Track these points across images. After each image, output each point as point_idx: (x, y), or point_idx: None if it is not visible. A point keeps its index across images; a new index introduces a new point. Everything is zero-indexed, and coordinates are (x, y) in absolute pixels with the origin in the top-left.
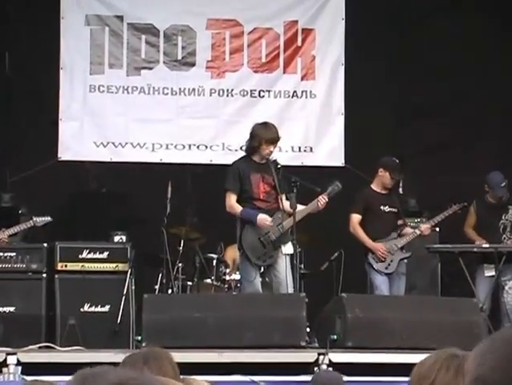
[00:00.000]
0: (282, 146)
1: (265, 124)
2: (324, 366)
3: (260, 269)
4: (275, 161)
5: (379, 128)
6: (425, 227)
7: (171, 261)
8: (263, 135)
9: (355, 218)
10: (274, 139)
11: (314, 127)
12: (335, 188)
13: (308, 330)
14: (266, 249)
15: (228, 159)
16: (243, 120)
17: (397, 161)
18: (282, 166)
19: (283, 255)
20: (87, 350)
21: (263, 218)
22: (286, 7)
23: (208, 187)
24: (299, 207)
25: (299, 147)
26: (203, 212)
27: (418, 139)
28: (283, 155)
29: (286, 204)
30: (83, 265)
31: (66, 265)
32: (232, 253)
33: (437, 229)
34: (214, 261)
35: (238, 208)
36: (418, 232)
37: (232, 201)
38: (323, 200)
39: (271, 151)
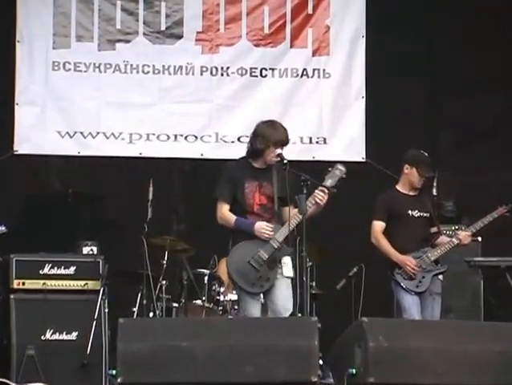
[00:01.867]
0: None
1: (272, 124)
2: None
3: (259, 296)
4: (280, 155)
5: (408, 115)
6: (464, 235)
7: (153, 277)
8: (270, 137)
9: (378, 226)
10: (283, 142)
11: (328, 114)
12: (335, 174)
13: (321, 362)
14: (260, 273)
15: (222, 152)
16: (241, 105)
17: (426, 155)
18: (289, 162)
19: (283, 277)
20: None
21: (262, 226)
22: None
23: (198, 187)
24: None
25: (310, 139)
26: (192, 218)
27: (455, 127)
28: (291, 147)
29: (294, 213)
30: (44, 283)
31: (23, 283)
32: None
33: (479, 239)
34: (206, 278)
35: (232, 218)
36: (456, 241)
37: (223, 210)
38: (320, 194)
39: (277, 156)
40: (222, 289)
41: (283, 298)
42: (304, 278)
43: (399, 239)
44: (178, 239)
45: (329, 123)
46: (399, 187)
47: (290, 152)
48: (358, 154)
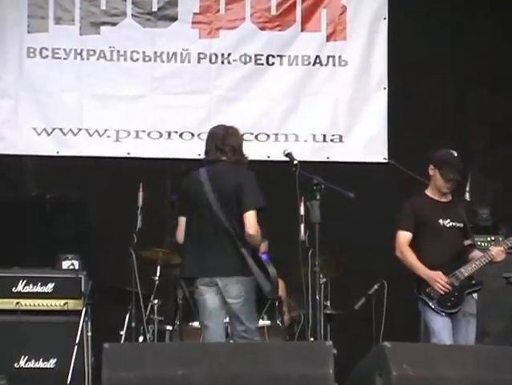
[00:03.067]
0: (299, 134)
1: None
2: None
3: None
4: (289, 155)
5: (437, 109)
6: (497, 251)
7: (143, 296)
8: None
9: (404, 237)
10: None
11: (344, 108)
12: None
13: None
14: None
15: None
16: (244, 98)
17: (456, 155)
18: (300, 162)
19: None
20: None
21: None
22: None
23: None
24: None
25: (324, 136)
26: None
27: (491, 123)
28: (302, 146)
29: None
30: (18, 302)
31: None
32: None
33: None
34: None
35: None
36: (488, 258)
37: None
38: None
39: (286, 156)
40: None
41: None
42: (317, 297)
43: (428, 252)
44: (172, 252)
45: (346, 119)
46: (428, 192)
47: (302, 152)
48: (379, 154)
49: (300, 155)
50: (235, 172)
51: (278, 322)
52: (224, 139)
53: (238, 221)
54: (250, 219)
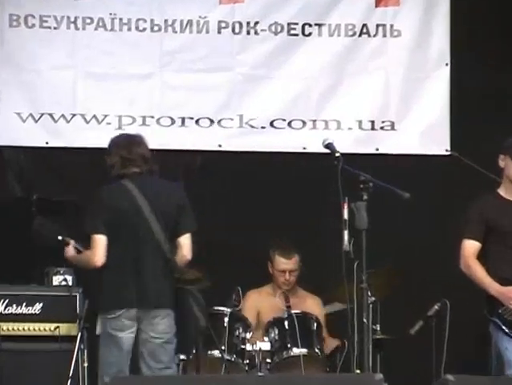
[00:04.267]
0: (342, 120)
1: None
2: None
3: None
4: (330, 146)
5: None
6: None
7: None
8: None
9: (471, 247)
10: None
11: (397, 88)
12: None
13: None
14: None
15: (248, 143)
16: (275, 75)
17: None
18: (343, 155)
19: None
20: None
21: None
22: None
23: (214, 190)
24: None
25: (372, 123)
26: (206, 234)
27: None
28: (345, 135)
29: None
30: None
31: None
32: (256, 304)
33: None
34: (226, 320)
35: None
36: None
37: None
38: None
39: (325, 146)
40: (249, 335)
41: None
42: (365, 319)
43: (500, 265)
44: (185, 265)
45: (399, 101)
46: (501, 191)
47: (345, 142)
48: (439, 145)
49: (343, 146)
50: (171, 189)
51: (316, 350)
52: (130, 149)
53: (173, 244)
54: (188, 243)
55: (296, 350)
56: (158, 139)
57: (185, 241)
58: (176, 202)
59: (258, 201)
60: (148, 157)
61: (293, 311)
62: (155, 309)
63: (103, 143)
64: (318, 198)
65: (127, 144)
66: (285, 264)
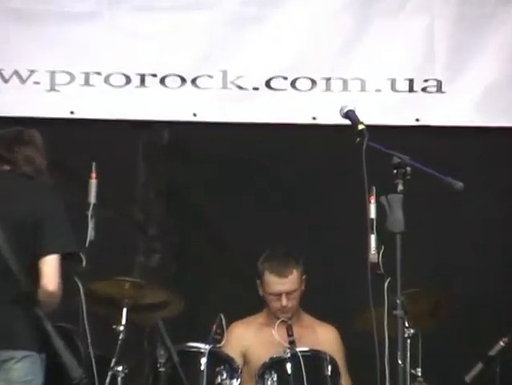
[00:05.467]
0: (367, 78)
1: None
2: None
3: None
4: (351, 115)
5: None
6: None
7: (98, 359)
8: None
9: None
10: None
11: (446, 35)
12: None
13: None
14: None
15: (235, 110)
16: (273, 17)
17: None
18: (369, 128)
19: None
20: None
21: None
22: None
23: (188, 177)
24: None
25: (411, 83)
26: (178, 242)
27: None
28: (372, 100)
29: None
30: None
31: None
32: (243, 339)
33: None
34: (203, 360)
35: None
36: None
37: None
38: None
39: (345, 114)
40: (237, 383)
41: None
42: (400, 361)
43: None
44: (148, 282)
45: (448, 53)
46: None
47: (372, 110)
48: (504, 114)
49: (369, 115)
50: (32, 190)
51: None
52: (12, 146)
53: (33, 268)
54: (52, 267)
55: None
56: (107, 104)
57: (46, 268)
58: (35, 207)
59: (248, 192)
60: (36, 163)
61: (298, 349)
62: (6, 349)
63: (30, 110)
64: (334, 189)
65: (10, 141)
66: (279, 284)
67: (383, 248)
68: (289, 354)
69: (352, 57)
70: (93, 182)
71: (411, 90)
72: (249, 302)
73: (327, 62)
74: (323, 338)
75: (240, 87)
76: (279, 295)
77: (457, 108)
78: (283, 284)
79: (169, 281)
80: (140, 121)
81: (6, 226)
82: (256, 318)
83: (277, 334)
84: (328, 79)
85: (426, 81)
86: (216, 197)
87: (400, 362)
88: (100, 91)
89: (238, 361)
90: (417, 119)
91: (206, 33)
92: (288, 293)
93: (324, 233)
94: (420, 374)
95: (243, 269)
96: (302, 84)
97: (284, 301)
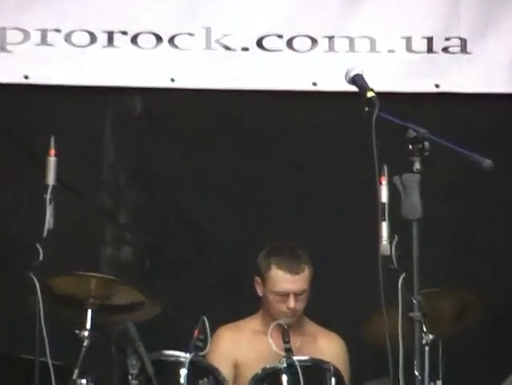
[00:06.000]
0: (378, 37)
1: None
2: None
3: None
4: (358, 80)
5: None
6: None
7: (57, 369)
8: None
9: None
10: None
11: None
12: None
13: None
14: None
15: (223, 73)
16: None
17: None
18: (381, 95)
19: None
20: None
21: None
22: None
23: (166, 153)
24: None
25: (429, 42)
26: (154, 228)
27: None
28: (384, 62)
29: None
30: None
31: None
32: (233, 348)
33: None
34: (183, 372)
35: None
36: None
37: None
38: None
39: (351, 80)
40: None
41: None
42: (416, 372)
43: None
44: (117, 280)
45: (475, 6)
46: None
47: (383, 74)
48: None
49: (380, 80)
50: None
51: None
52: None
53: None
54: None
55: None
56: (68, 68)
57: None
58: None
59: (236, 174)
60: None
61: (296, 357)
62: None
63: None
64: (338, 168)
65: None
66: (289, 282)
67: (396, 238)
68: (285, 364)
69: (360, 11)
70: (52, 160)
71: (429, 50)
72: (237, 305)
73: (330, 17)
74: (326, 347)
75: (226, 48)
76: (287, 295)
77: (485, 72)
78: (294, 282)
79: (143, 279)
80: (107, 87)
81: None
82: (248, 322)
83: (273, 341)
84: (331, 38)
85: (448, 39)
86: (199, 178)
87: (416, 373)
88: (60, 52)
89: (225, 372)
90: (437, 85)
91: None
92: (297, 294)
93: (325, 221)
94: None
95: (230, 266)
96: (301, 44)
97: (292, 303)
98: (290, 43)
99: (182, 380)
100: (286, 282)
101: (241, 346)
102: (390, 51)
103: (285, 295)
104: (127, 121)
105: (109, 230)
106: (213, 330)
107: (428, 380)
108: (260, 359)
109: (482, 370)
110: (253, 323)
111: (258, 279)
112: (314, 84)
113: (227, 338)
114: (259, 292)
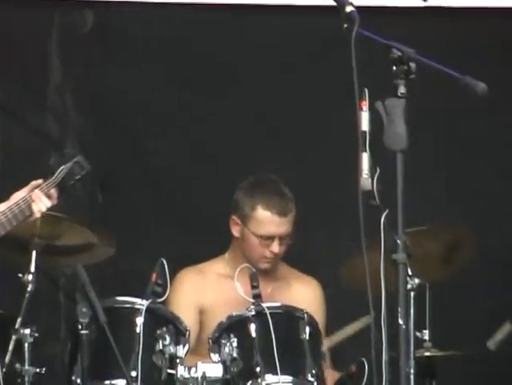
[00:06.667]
0: None
1: None
2: None
3: None
4: None
5: None
6: None
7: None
8: None
9: None
10: None
11: None
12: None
13: None
14: None
15: None
16: None
17: None
18: (360, 10)
19: None
20: None
21: None
22: None
23: (124, 75)
24: None
25: None
26: (110, 163)
27: None
28: None
29: None
30: None
31: None
32: (197, 293)
33: None
34: (139, 321)
35: None
36: None
37: None
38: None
39: None
40: (184, 350)
41: None
42: (401, 320)
43: None
44: (65, 217)
45: None
46: None
47: None
48: None
49: None
50: None
51: (310, 378)
52: None
53: None
54: None
55: (272, 379)
56: None
57: None
58: None
59: (199, 97)
60: None
61: (266, 304)
62: None
63: None
64: (314, 92)
65: None
66: (276, 224)
67: (378, 171)
68: (253, 312)
69: None
70: None
71: None
72: (199, 247)
73: None
74: (300, 293)
75: None
76: (271, 239)
77: None
78: (281, 225)
79: (94, 217)
80: (53, 1)
81: None
82: (212, 264)
83: (241, 286)
84: None
85: None
86: (158, 105)
87: (401, 322)
88: None
89: (188, 321)
90: None
91: None
92: (282, 238)
93: (300, 151)
94: (427, 337)
95: (191, 202)
96: None
97: (277, 248)
98: None
99: (138, 330)
100: (273, 225)
101: (205, 291)
102: None
103: (269, 239)
104: (76, 37)
105: (54, 161)
106: (173, 273)
107: (414, 330)
108: (226, 306)
109: (474, 319)
110: (218, 266)
111: (235, 218)
112: None
113: (189, 282)
114: (235, 232)
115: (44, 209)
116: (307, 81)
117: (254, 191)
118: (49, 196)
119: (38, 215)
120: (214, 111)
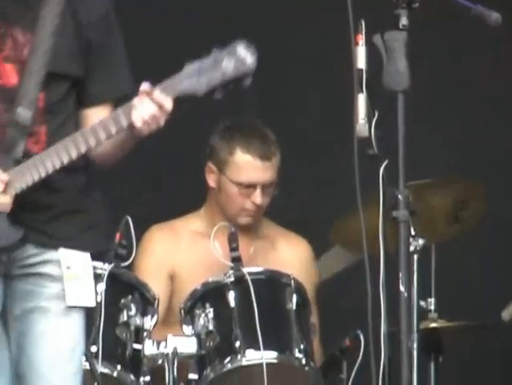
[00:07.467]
0: None
1: None
2: None
3: None
4: None
5: None
6: None
7: None
8: None
9: None
10: None
11: None
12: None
13: None
14: None
15: None
16: None
17: None
18: None
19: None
20: None
21: None
22: None
23: None
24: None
25: None
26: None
27: None
28: None
29: None
30: None
31: None
32: (168, 254)
33: None
34: (101, 288)
35: None
36: None
37: None
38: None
39: None
40: (152, 322)
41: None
42: (402, 287)
43: None
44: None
45: None
46: None
47: None
48: None
49: None
50: None
51: (297, 354)
52: None
53: None
54: None
55: (253, 355)
56: None
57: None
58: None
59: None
60: None
61: (247, 269)
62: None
63: None
64: (302, 24)
65: None
66: (259, 170)
67: (376, 114)
68: (232, 278)
69: None
70: None
71: None
72: (170, 202)
73: None
74: (286, 254)
75: None
76: (253, 187)
77: None
78: (264, 170)
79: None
80: None
81: None
82: (186, 221)
83: (219, 247)
84: None
85: None
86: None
87: (402, 289)
88: None
89: (156, 287)
90: None
91: None
92: (265, 186)
93: (287, 92)
94: (433, 307)
95: (162, 152)
96: None
97: (259, 198)
98: None
99: (99, 298)
100: (255, 170)
101: (177, 252)
102: None
103: (250, 187)
104: None
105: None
106: (140, 233)
107: (418, 298)
108: (201, 270)
109: (486, 286)
110: (193, 223)
111: (211, 166)
112: None
113: (159, 243)
114: (211, 182)
115: (147, 117)
116: (298, 16)
117: (232, 133)
118: (159, 104)
119: (138, 124)
120: None
